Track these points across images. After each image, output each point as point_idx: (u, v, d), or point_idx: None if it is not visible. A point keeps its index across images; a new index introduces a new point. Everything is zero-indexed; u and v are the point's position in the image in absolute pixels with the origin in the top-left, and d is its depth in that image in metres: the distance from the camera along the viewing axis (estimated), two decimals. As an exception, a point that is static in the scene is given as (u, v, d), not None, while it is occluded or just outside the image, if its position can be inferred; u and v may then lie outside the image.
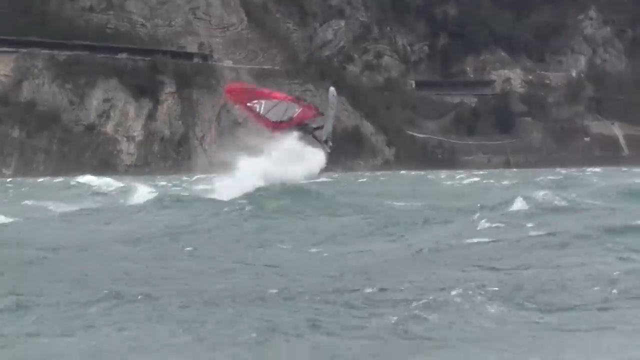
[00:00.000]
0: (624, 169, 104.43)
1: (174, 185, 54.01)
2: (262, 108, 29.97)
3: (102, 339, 8.85)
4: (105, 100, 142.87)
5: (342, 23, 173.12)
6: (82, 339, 8.85)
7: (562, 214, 19.29)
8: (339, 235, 17.73)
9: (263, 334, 8.79)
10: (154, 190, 32.82)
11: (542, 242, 14.10)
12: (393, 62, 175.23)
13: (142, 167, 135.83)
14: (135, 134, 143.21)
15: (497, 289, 10.40)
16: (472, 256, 13.50)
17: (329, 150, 30.21)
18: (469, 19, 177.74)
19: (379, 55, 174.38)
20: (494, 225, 17.35)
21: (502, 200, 21.60)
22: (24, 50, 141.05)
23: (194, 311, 9.79)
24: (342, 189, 42.57)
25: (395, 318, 9.16)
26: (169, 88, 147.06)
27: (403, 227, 18.51)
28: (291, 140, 29.54)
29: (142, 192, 30.11)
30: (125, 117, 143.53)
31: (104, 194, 36.50)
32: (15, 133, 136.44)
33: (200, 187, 39.59)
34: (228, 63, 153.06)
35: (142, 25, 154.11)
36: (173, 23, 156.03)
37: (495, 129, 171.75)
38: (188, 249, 16.05)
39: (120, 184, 39.07)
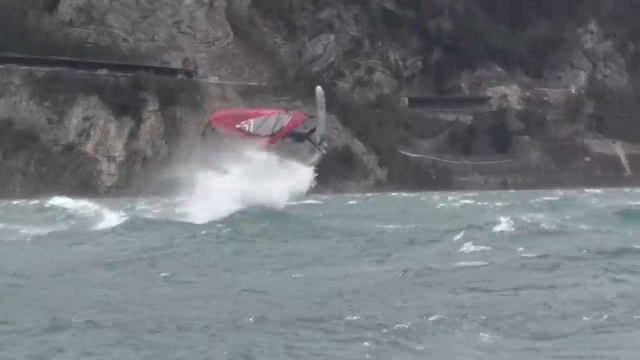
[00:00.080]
0: (626, 189, 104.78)
1: (156, 208, 53.59)
2: (251, 126, 31.03)
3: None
4: (85, 119, 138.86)
5: (332, 37, 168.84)
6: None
7: (550, 237, 19.73)
8: (322, 259, 17.80)
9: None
10: (124, 214, 33.26)
11: (533, 265, 14.24)
12: (385, 78, 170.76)
13: (124, 189, 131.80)
14: (116, 153, 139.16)
15: (485, 315, 10.34)
16: (461, 279, 13.58)
17: (324, 152, 31.21)
18: (463, 33, 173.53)
19: (370, 71, 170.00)
20: (480, 248, 17.73)
21: (491, 222, 21.87)
22: (1, 66, 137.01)
23: (166, 337, 9.94)
24: (330, 211, 42.86)
25: (376, 346, 9.06)
26: (152, 106, 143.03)
27: (389, 249, 18.72)
28: (274, 156, 29.62)
29: (114, 214, 30.78)
30: (105, 136, 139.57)
31: (79, 217, 36.70)
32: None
33: (179, 209, 39.71)
34: (213, 79, 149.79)
35: (124, 39, 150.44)
36: (156, 37, 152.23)
37: (492, 148, 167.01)
38: (164, 274, 16.11)
39: (96, 207, 39.36)
